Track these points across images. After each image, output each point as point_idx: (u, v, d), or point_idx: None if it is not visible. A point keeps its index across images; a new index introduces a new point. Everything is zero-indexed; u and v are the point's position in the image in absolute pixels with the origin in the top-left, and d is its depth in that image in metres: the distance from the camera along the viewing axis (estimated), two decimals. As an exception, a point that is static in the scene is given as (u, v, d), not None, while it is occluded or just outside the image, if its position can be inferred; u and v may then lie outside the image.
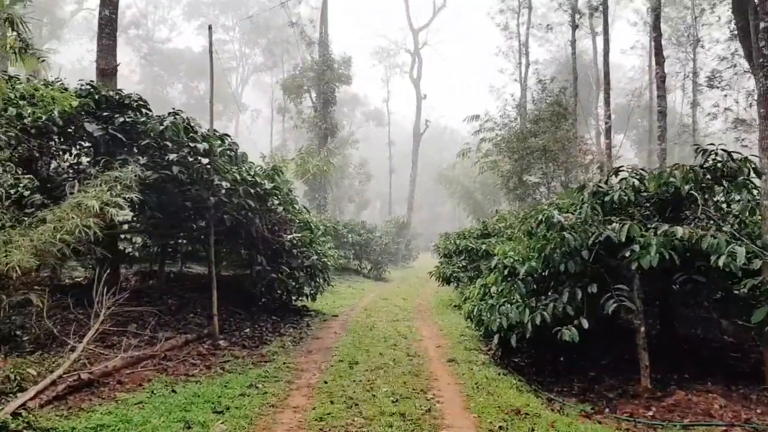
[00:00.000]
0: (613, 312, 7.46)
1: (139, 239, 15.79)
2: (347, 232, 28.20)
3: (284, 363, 8.47)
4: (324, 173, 27.77)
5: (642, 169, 8.23)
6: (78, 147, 8.84)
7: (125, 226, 12.22)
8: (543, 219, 7.67)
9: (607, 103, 16.02)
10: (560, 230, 7.48)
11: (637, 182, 7.86)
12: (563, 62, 40.87)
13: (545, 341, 9.20)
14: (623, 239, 7.08)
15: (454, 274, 16.04)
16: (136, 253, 16.15)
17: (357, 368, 8.30)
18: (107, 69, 11.35)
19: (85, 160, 8.90)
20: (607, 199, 7.75)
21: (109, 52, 11.46)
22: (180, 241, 14.37)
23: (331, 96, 31.25)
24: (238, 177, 9.17)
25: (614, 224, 7.39)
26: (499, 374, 8.35)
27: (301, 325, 12.24)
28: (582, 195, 8.15)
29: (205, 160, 8.31)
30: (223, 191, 9.42)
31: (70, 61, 55.95)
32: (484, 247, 15.80)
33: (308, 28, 34.69)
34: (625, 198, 7.65)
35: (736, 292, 8.76)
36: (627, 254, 7.25)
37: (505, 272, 8.69)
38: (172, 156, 8.26)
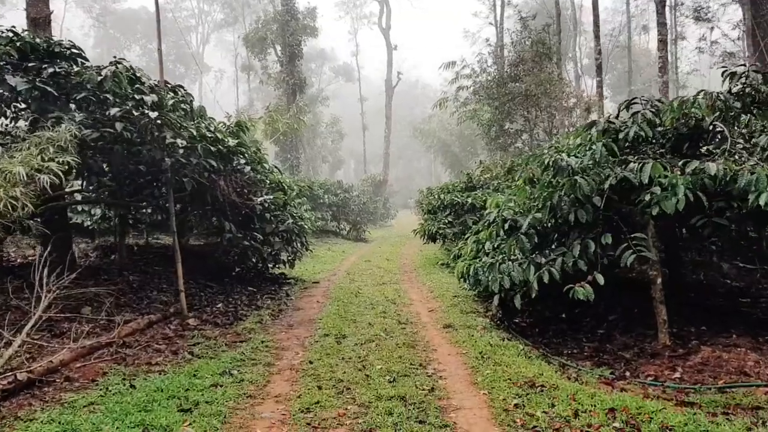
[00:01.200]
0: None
1: (98, 210, 14.51)
2: (323, 192, 27.06)
3: (262, 341, 7.49)
4: (295, 131, 26.39)
5: (659, 100, 7.24)
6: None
7: (78, 196, 10.96)
8: (550, 163, 6.68)
9: (596, 37, 14.94)
10: (570, 175, 6.52)
11: (651, 115, 6.89)
12: (537, 3, 39.44)
13: (547, 299, 8.44)
14: (645, 180, 6.15)
15: (440, 231, 15.15)
16: (95, 226, 14.91)
17: (345, 343, 7.37)
18: (39, 18, 9.85)
19: (2, 120, 7.56)
20: (621, 136, 6.78)
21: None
22: (144, 210, 13.14)
23: (298, 49, 29.50)
24: (196, 133, 7.96)
25: (632, 164, 6.45)
26: (503, 339, 7.51)
27: (279, 295, 11.26)
28: (589, 133, 7.16)
29: (153, 114, 7.08)
30: (180, 151, 8.21)
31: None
32: (470, 200, 14.90)
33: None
34: (642, 134, 6.69)
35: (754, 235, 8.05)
36: (646, 198, 6.34)
37: (506, 226, 7.74)
38: (114, 111, 7.00)
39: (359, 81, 58.60)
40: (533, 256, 7.47)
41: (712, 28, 23.01)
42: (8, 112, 7.72)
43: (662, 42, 12.56)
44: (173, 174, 8.19)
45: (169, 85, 8.88)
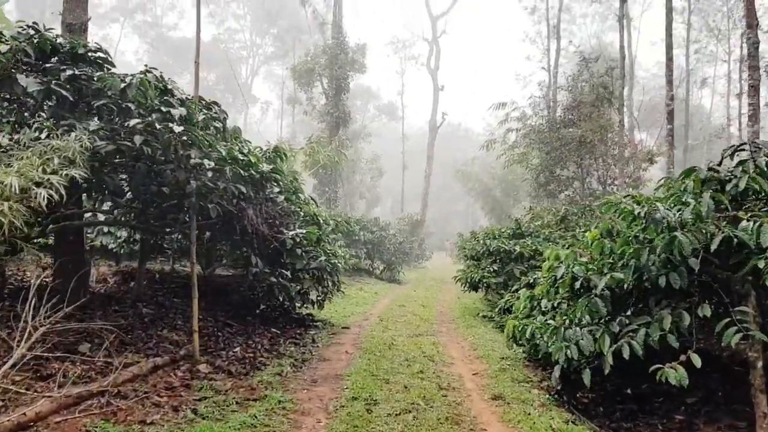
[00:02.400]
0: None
1: (124, 233, 13.80)
2: (359, 229, 26.09)
3: (279, 401, 6.36)
4: (335, 165, 25.66)
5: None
6: (8, 107, 6.71)
7: (100, 217, 10.21)
8: (641, 214, 5.51)
9: (669, 81, 13.75)
10: (666, 230, 5.32)
11: (766, 165, 5.67)
12: (593, 49, 38.43)
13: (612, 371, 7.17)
14: (765, 244, 4.92)
15: (484, 280, 13.90)
16: (119, 249, 14.16)
17: (377, 411, 6.18)
18: (75, 24, 9.26)
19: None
20: (728, 188, 5.57)
21: (78, 5, 9.36)
22: (173, 235, 12.35)
23: (344, 82, 29.07)
24: (226, 154, 7.07)
25: (744, 222, 5.23)
26: (566, 422, 6.21)
27: (305, 340, 10.15)
28: (684, 183, 5.96)
29: (179, 129, 6.21)
30: (209, 174, 7.32)
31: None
32: (518, 248, 13.65)
33: (321, 7, 32.57)
34: (755, 186, 5.47)
35: None
36: (761, 264, 5.09)
37: (576, 285, 6.51)
38: (134, 122, 6.16)
39: (402, 119, 58.32)
40: (608, 323, 6.24)
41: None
42: (32, 122, 6.99)
43: (753, 88, 11.36)
44: (198, 198, 7.28)
45: (204, 102, 8.08)
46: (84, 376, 6.33)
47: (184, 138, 6.41)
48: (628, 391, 7.59)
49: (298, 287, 11.36)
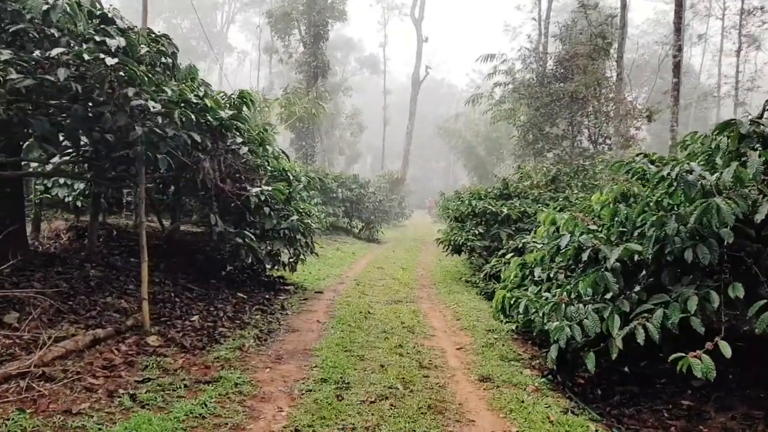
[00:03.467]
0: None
1: (81, 184, 12.58)
2: (337, 186, 25.06)
3: (236, 384, 5.49)
4: (312, 117, 24.35)
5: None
6: None
7: (47, 167, 9.04)
8: (674, 176, 4.61)
9: (677, 30, 12.68)
10: (702, 195, 4.45)
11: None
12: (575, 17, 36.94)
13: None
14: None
15: (468, 243, 13.08)
16: (77, 202, 12.95)
17: (348, 397, 5.34)
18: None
19: None
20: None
21: None
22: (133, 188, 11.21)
23: (323, 30, 27.40)
24: (173, 95, 5.97)
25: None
26: (564, 411, 5.45)
27: (273, 307, 9.27)
28: (717, 139, 5.05)
29: (112, 61, 5.10)
30: (158, 118, 6.21)
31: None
32: (505, 210, 12.81)
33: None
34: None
35: None
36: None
37: (583, 256, 5.65)
38: (57, 51, 5.02)
39: (384, 73, 56.54)
40: (615, 300, 5.42)
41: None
42: None
43: None
44: (146, 148, 6.20)
45: (152, 35, 6.88)
46: (5, 353, 5.37)
47: (120, 73, 5.30)
48: (627, 369, 6.89)
49: (268, 248, 10.42)
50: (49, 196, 12.38)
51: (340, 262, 16.68)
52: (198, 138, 6.41)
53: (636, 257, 5.51)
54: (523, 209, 12.73)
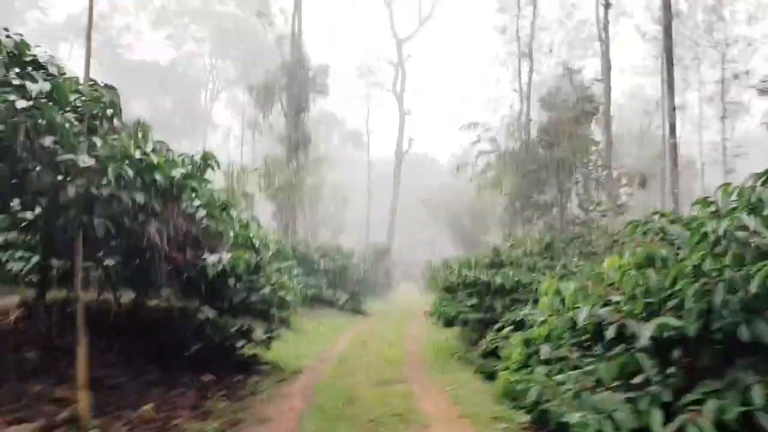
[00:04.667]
0: None
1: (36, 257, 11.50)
2: (320, 257, 24.10)
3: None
4: (293, 188, 23.70)
5: None
6: None
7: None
8: (721, 232, 3.80)
9: (670, 87, 12.31)
10: (759, 257, 3.63)
11: None
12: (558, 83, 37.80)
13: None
14: None
15: (461, 315, 12.08)
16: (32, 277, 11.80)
17: None
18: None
19: None
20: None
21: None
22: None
23: (305, 102, 27.27)
24: (108, 150, 5.14)
25: None
26: None
27: (242, 392, 8.11)
28: (759, 189, 4.29)
29: (23, 104, 4.30)
30: (92, 176, 5.35)
31: None
32: (498, 279, 11.91)
33: (279, 20, 31.07)
34: None
35: None
36: None
37: (610, 333, 4.71)
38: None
39: (368, 147, 56.92)
40: (655, 388, 4.46)
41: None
42: None
43: None
44: (79, 210, 5.28)
45: (91, 84, 6.10)
46: None
47: (40, 121, 4.47)
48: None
49: (239, 324, 9.37)
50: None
51: (322, 337, 15.48)
52: (142, 199, 5.53)
53: (665, 334, 4.62)
54: (517, 278, 11.84)
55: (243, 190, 20.26)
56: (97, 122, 6.18)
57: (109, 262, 10.37)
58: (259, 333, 9.98)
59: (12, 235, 9.68)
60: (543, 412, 5.60)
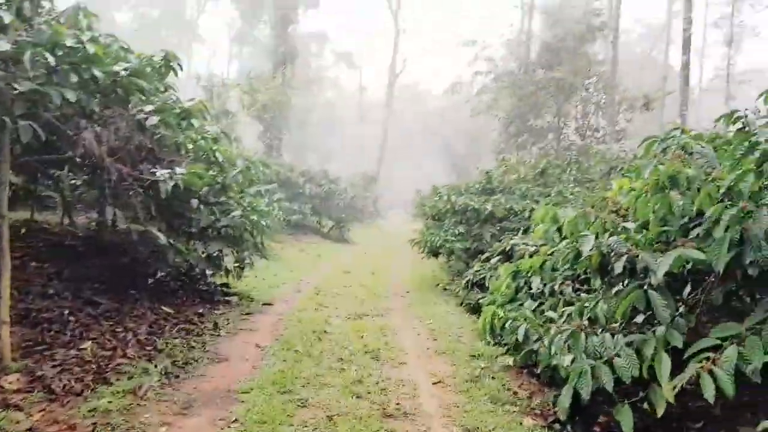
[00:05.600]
0: None
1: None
2: (304, 181, 23.21)
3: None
4: (280, 106, 22.42)
5: None
6: None
7: None
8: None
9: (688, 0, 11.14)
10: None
11: None
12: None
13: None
14: None
15: (447, 244, 11.37)
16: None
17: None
18: None
19: None
20: None
21: None
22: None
23: (292, 13, 25.46)
24: (27, 34, 4.11)
25: None
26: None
27: (203, 326, 7.42)
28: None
29: None
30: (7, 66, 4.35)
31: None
32: (489, 207, 11.14)
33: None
34: None
35: None
36: None
37: (618, 266, 3.92)
38: None
39: (361, 68, 54.79)
40: (665, 330, 3.73)
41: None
42: None
43: None
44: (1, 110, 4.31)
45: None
46: None
47: None
48: (646, 406, 5.22)
49: (205, 251, 8.60)
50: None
51: (301, 265, 14.86)
52: (73, 96, 4.54)
53: (686, 268, 3.86)
54: (509, 206, 11.08)
55: (224, 107, 19.03)
56: (27, 3, 5.11)
57: (64, 179, 9.51)
58: (228, 261, 9.24)
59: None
60: (530, 352, 4.93)
